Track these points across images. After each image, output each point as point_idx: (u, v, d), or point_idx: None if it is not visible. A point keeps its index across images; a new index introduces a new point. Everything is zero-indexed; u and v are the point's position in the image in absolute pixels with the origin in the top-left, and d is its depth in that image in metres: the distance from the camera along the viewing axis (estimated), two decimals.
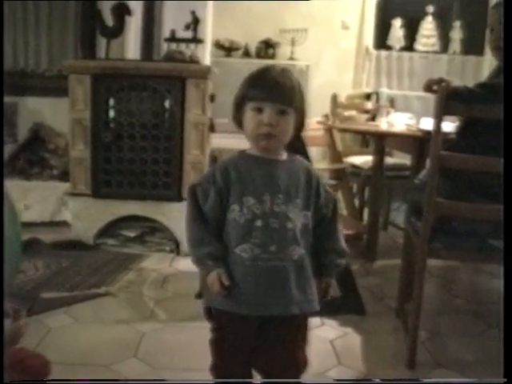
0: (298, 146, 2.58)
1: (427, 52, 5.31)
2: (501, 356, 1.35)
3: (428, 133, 2.32)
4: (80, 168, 3.12)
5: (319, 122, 3.28)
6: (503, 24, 1.96)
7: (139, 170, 3.10)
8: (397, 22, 5.30)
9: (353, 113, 3.30)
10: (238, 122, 1.34)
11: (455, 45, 5.34)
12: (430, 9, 5.27)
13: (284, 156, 1.35)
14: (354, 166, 3.68)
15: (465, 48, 5.33)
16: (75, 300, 2.41)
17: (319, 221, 1.35)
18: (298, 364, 1.37)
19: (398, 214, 4.45)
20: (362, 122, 3.06)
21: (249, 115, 1.30)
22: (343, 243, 1.39)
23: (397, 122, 2.93)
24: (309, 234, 1.33)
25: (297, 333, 1.36)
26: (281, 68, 1.33)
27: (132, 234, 3.22)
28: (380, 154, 3.17)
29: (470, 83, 1.92)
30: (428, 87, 2.13)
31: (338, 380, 1.88)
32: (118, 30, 3.28)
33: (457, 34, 5.33)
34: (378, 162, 3.18)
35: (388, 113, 2.87)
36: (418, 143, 2.49)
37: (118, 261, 2.95)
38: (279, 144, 1.31)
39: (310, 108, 4.70)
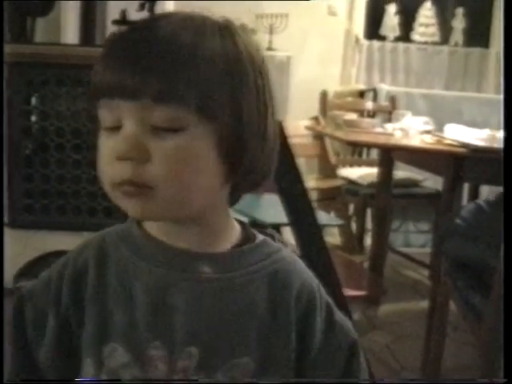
0: (291, 189, 1.30)
1: (426, 43, 4.67)
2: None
3: (475, 150, 1.65)
4: None
5: (309, 128, 2.55)
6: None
7: (71, 191, 2.39)
8: (391, 8, 4.62)
9: (353, 116, 2.57)
10: None
11: (457, 35, 4.70)
12: None
13: (228, 240, 0.61)
14: (349, 182, 2.97)
15: (468, 39, 4.70)
16: None
17: None
18: None
19: (398, 236, 3.79)
20: (368, 129, 2.33)
21: (100, 139, 0.59)
22: None
23: (411, 128, 2.24)
24: None
25: None
26: (170, 17, 0.58)
27: None
28: (388, 168, 2.48)
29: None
30: None
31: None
32: (45, 6, 2.51)
33: (459, 22, 4.69)
34: (385, 179, 2.49)
35: (403, 116, 2.16)
36: (453, 161, 1.80)
37: None
38: (171, 210, 0.56)
39: (291, 108, 4.00)
